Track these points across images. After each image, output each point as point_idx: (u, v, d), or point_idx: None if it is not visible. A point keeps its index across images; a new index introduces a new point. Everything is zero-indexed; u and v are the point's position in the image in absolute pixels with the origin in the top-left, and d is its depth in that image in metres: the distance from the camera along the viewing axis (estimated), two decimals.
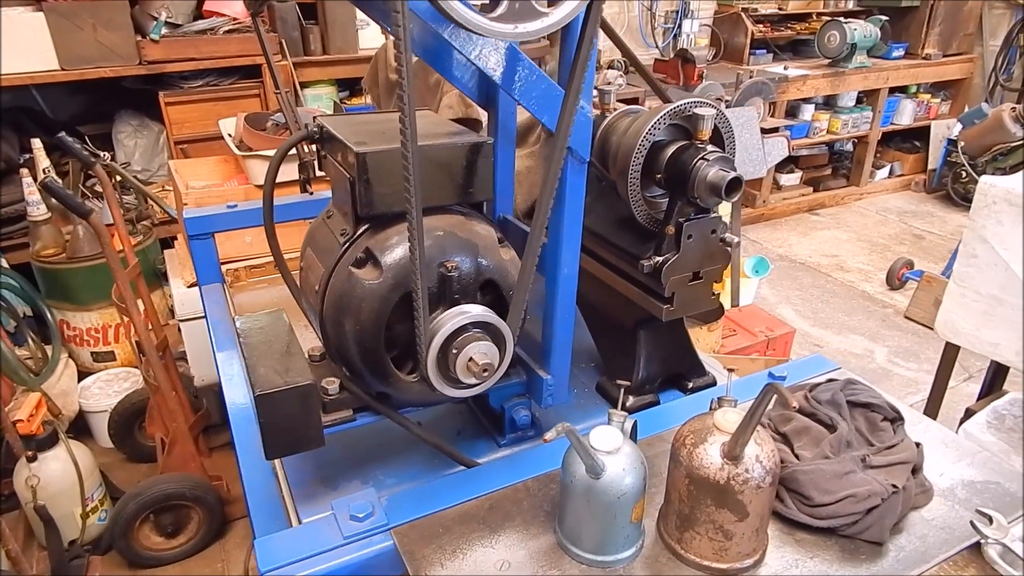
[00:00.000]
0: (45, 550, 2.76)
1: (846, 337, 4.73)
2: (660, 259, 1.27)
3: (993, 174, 5.32)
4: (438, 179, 1.07)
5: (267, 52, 2.33)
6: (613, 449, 1.01)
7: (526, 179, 1.63)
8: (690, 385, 1.49)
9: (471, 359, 0.99)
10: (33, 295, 3.54)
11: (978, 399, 3.01)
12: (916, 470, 1.17)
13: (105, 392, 3.47)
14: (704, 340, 3.66)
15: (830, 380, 1.32)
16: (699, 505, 1.01)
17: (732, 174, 1.16)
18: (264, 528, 1.31)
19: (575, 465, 1.00)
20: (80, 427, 3.51)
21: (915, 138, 7.20)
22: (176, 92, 3.95)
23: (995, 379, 3.00)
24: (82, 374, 3.63)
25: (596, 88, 1.47)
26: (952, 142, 6.28)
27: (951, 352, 3.03)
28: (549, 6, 0.91)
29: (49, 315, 3.56)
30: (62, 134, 2.84)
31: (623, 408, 1.35)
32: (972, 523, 1.04)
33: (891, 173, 7.16)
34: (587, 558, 1.05)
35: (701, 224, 1.26)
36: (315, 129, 1.17)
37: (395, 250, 1.04)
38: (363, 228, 1.08)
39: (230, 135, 3.08)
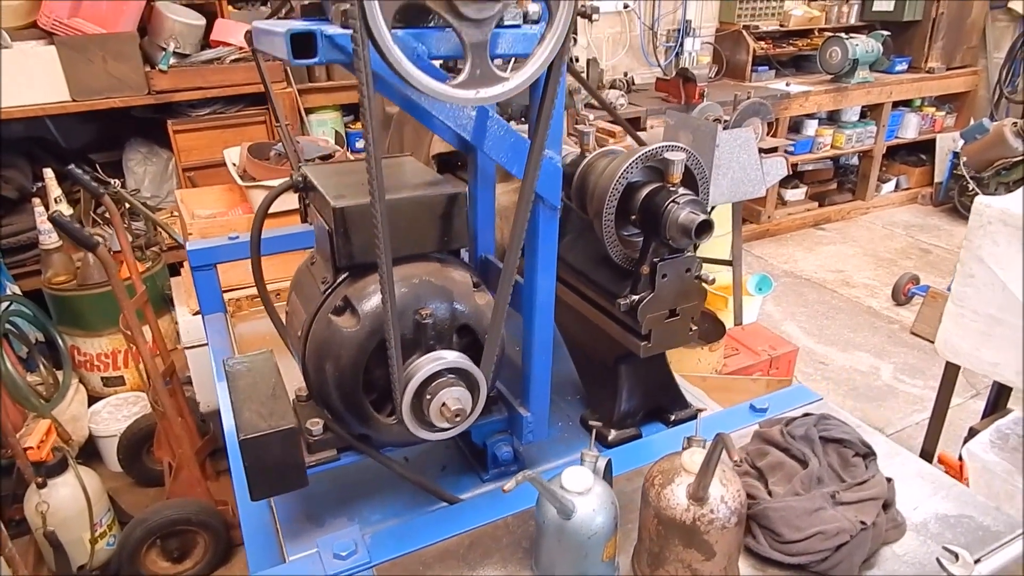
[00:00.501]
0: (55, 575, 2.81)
1: (851, 354, 4.71)
2: (636, 298, 1.30)
3: (996, 189, 5.33)
4: (414, 229, 1.12)
5: (268, 88, 2.39)
6: (584, 490, 1.04)
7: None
8: (672, 418, 1.52)
9: (444, 404, 1.03)
10: (45, 321, 3.61)
11: (982, 418, 3.00)
12: (887, 505, 1.19)
13: (114, 417, 3.53)
14: (706, 360, 3.67)
15: (807, 414, 1.34)
16: (668, 544, 1.04)
17: (702, 217, 1.20)
18: (257, 562, 1.34)
19: (547, 505, 1.04)
20: (90, 451, 3.56)
21: (921, 151, 7.18)
22: (184, 120, 4.04)
23: (999, 397, 2.99)
24: (92, 399, 3.69)
25: (576, 129, 1.51)
26: (957, 155, 6.28)
27: (952, 371, 3.02)
28: (516, 64, 0.95)
29: (60, 341, 3.63)
30: (72, 166, 2.92)
31: (605, 442, 1.39)
32: (938, 560, 1.06)
33: (897, 187, 7.15)
34: None
35: (675, 264, 1.30)
36: (299, 179, 1.22)
37: (372, 298, 1.08)
38: (342, 277, 1.13)
39: (234, 164, 3.15)
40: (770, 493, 1.19)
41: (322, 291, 1.13)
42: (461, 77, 0.86)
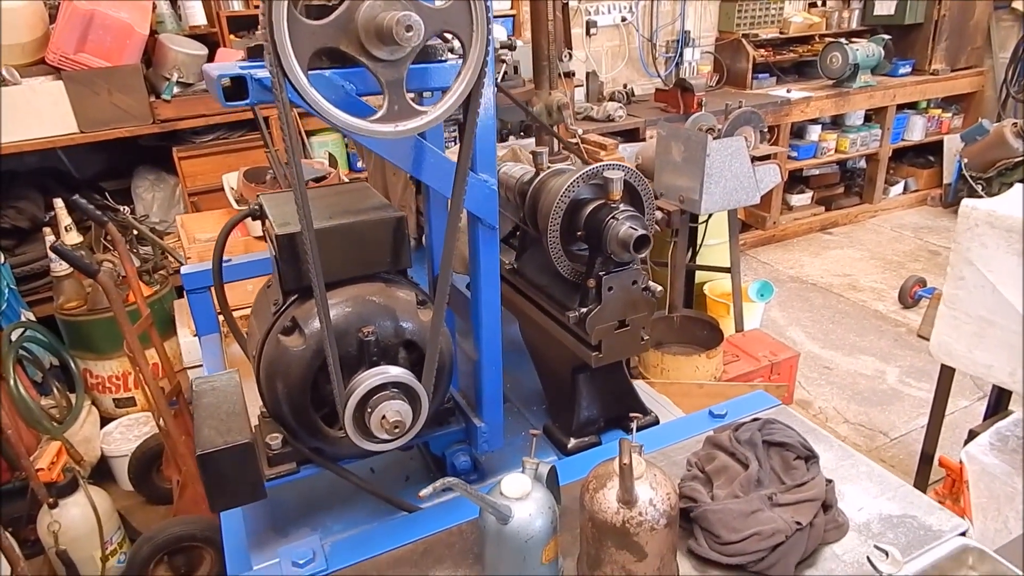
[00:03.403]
0: None
1: (856, 358, 4.69)
2: (584, 310, 1.35)
3: (999, 190, 5.30)
4: (357, 252, 1.18)
5: (257, 115, 2.50)
6: (522, 495, 1.09)
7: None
8: (633, 425, 1.56)
9: (384, 416, 1.08)
10: (58, 346, 3.73)
11: (983, 420, 2.99)
12: (827, 506, 1.22)
13: (126, 437, 3.63)
14: (704, 367, 3.69)
15: (755, 419, 1.38)
16: (602, 547, 1.08)
17: (640, 232, 1.25)
18: (235, 571, 1.40)
19: (487, 511, 1.09)
20: (103, 471, 3.66)
21: (929, 153, 7.14)
22: (189, 147, 4.17)
23: (1000, 399, 2.98)
24: (105, 420, 3.80)
25: (532, 151, 1.57)
26: None
27: (947, 374, 3.02)
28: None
29: (73, 365, 3.75)
30: (76, 196, 3.04)
31: (565, 450, 1.44)
32: (868, 559, 1.09)
33: (906, 189, 7.10)
34: None
35: (621, 276, 1.34)
36: (256, 207, 1.29)
37: (318, 319, 1.14)
38: (291, 299, 1.19)
39: (232, 188, 3.26)
40: (713, 496, 1.23)
41: (273, 312, 1.20)
42: (379, 113, 0.92)
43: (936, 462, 3.03)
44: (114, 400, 3.90)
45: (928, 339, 5.06)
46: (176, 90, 4.01)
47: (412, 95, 1.01)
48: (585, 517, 1.09)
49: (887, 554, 1.09)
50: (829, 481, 1.24)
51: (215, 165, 4.17)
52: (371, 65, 0.90)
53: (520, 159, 1.77)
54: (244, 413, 1.19)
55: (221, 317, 2.55)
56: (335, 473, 1.27)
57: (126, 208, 4.22)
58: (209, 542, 2.99)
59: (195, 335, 3.05)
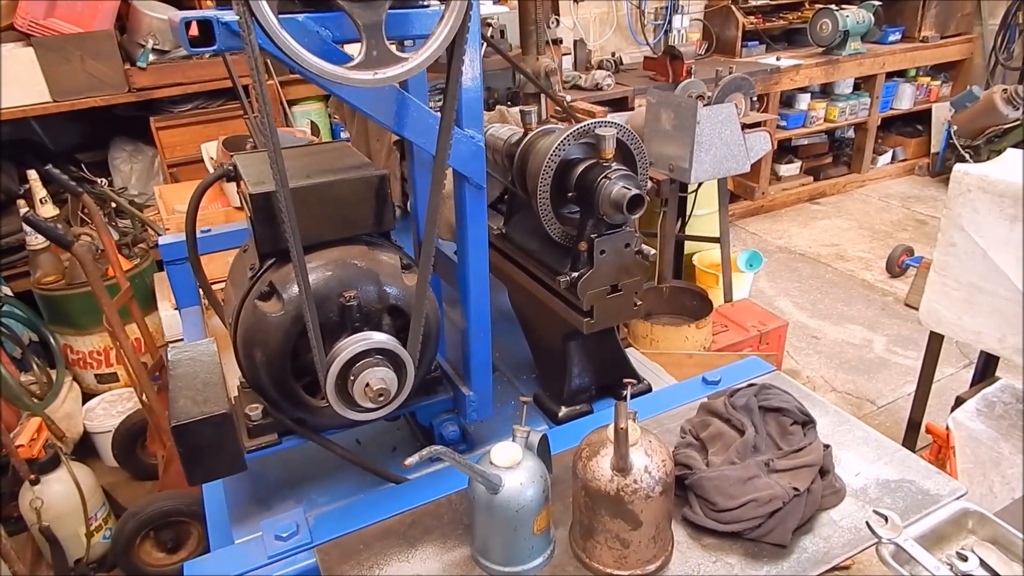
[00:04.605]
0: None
1: (844, 327, 4.69)
2: (576, 274, 1.30)
3: (989, 157, 5.28)
4: (337, 213, 1.12)
5: (235, 81, 2.42)
6: (512, 464, 1.05)
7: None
8: (625, 393, 1.52)
9: (367, 384, 1.03)
10: (36, 322, 3.65)
11: (971, 386, 2.99)
12: (825, 472, 1.19)
13: (109, 413, 3.57)
14: (693, 338, 3.67)
15: (751, 385, 1.34)
16: (596, 516, 1.05)
17: (633, 191, 1.20)
18: (218, 545, 1.36)
19: (476, 481, 1.05)
20: (87, 448, 3.61)
21: (917, 122, 7.10)
22: (166, 117, 4.05)
23: (987, 366, 2.98)
24: (87, 396, 3.74)
25: (521, 109, 1.51)
26: None
27: (936, 341, 3.01)
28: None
29: (53, 340, 3.67)
30: (49, 166, 2.95)
31: (556, 419, 1.40)
32: (868, 524, 1.07)
33: (894, 158, 7.08)
34: (496, 570, 1.09)
35: (613, 239, 1.30)
36: (230, 167, 1.23)
37: (296, 284, 1.09)
38: (268, 263, 1.14)
39: (212, 158, 3.17)
40: (708, 463, 1.20)
41: (249, 277, 1.15)
42: (357, 59, 0.86)
43: (923, 429, 3.04)
44: (96, 376, 3.83)
45: (915, 308, 5.08)
46: (152, 57, 3.87)
47: (394, 44, 0.95)
48: (578, 486, 1.06)
49: (886, 519, 1.07)
50: (826, 446, 1.22)
51: (194, 135, 4.06)
52: (347, 6, 0.84)
53: (508, 121, 1.71)
54: (221, 383, 1.14)
55: (201, 289, 2.49)
56: (319, 444, 1.22)
57: (103, 180, 4.11)
58: (196, 517, 2.95)
59: (176, 308, 2.99)
